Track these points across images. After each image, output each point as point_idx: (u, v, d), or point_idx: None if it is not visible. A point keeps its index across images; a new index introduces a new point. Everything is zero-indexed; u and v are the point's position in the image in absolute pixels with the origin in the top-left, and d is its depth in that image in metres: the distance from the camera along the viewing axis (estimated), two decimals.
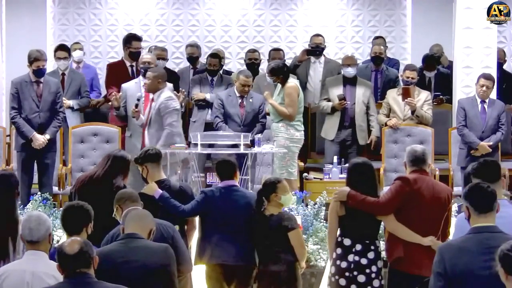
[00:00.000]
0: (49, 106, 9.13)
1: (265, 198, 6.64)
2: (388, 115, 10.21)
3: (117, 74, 10.46)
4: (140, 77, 9.57)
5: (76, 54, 11.14)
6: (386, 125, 10.10)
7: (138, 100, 9.09)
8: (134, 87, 9.47)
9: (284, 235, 6.55)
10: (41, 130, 9.07)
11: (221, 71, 10.85)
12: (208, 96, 10.30)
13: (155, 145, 8.51)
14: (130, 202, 5.98)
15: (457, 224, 5.83)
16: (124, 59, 10.71)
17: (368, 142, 10.27)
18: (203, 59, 11.31)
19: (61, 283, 4.63)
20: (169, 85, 9.62)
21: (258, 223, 6.64)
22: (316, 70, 11.09)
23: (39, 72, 9.09)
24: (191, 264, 6.46)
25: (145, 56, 9.87)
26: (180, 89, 9.70)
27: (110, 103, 10.73)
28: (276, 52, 11.24)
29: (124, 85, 9.60)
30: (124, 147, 9.55)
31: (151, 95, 9.08)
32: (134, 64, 10.45)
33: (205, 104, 10.32)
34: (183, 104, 9.66)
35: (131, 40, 10.60)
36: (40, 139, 9.01)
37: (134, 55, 10.47)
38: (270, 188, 6.66)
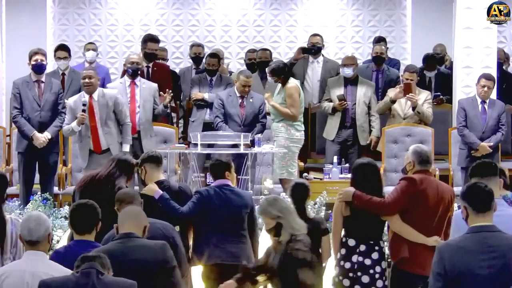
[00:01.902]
0: (51, 106, 9.13)
1: (303, 201, 6.62)
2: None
3: None
4: (125, 77, 9.48)
5: (89, 55, 11.17)
6: (391, 101, 9.98)
7: (84, 105, 8.81)
8: (120, 87, 9.38)
9: (319, 238, 6.56)
10: (42, 129, 9.07)
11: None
12: (206, 95, 10.29)
13: (117, 142, 8.79)
14: (126, 204, 5.97)
15: (455, 222, 5.85)
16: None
17: (368, 142, 10.26)
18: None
19: (71, 275, 4.75)
20: (154, 85, 9.57)
21: None
22: (314, 69, 11.07)
23: (38, 67, 9.09)
24: (188, 267, 6.45)
25: (132, 56, 9.69)
26: (167, 90, 9.60)
27: None
28: (263, 52, 11.16)
29: (110, 85, 9.58)
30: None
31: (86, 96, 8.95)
32: (150, 65, 10.38)
33: (204, 104, 10.32)
34: (169, 105, 9.60)
35: (147, 41, 10.54)
36: (40, 138, 9.01)
37: (149, 56, 10.38)
38: (306, 191, 6.67)
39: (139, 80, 9.47)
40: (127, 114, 8.99)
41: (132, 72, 9.42)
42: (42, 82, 9.15)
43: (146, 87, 9.43)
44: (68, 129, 8.90)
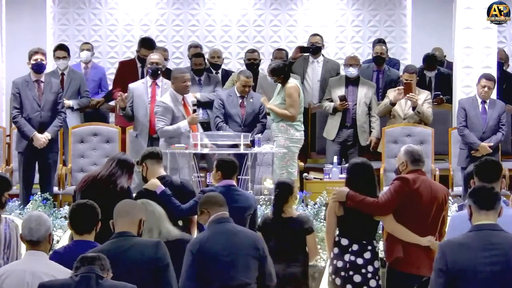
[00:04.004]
0: (51, 105, 9.12)
1: (283, 200, 6.63)
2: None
3: (127, 72, 10.44)
4: (147, 77, 9.47)
5: (83, 55, 11.17)
6: (391, 103, 9.99)
7: (195, 105, 9.07)
8: (141, 88, 9.40)
9: (303, 237, 6.58)
10: (42, 129, 9.06)
11: (220, 70, 10.97)
12: (198, 95, 10.28)
13: None
14: (218, 206, 5.84)
15: (451, 223, 5.86)
16: (136, 58, 10.68)
17: (368, 142, 10.25)
18: None
19: (70, 278, 4.73)
20: None
21: (276, 226, 6.61)
22: (315, 69, 11.08)
23: (38, 67, 9.07)
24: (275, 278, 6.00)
25: (153, 56, 9.66)
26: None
27: (110, 103, 10.75)
28: (279, 52, 11.21)
29: (131, 85, 9.49)
30: (125, 147, 9.56)
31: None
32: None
33: (197, 104, 10.31)
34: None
35: (141, 46, 10.52)
36: (41, 139, 9.00)
37: (141, 60, 10.39)
38: (288, 189, 6.67)
39: (160, 81, 9.46)
40: None
41: (152, 72, 9.40)
42: (42, 81, 9.14)
43: (168, 88, 9.41)
44: (176, 129, 8.83)
